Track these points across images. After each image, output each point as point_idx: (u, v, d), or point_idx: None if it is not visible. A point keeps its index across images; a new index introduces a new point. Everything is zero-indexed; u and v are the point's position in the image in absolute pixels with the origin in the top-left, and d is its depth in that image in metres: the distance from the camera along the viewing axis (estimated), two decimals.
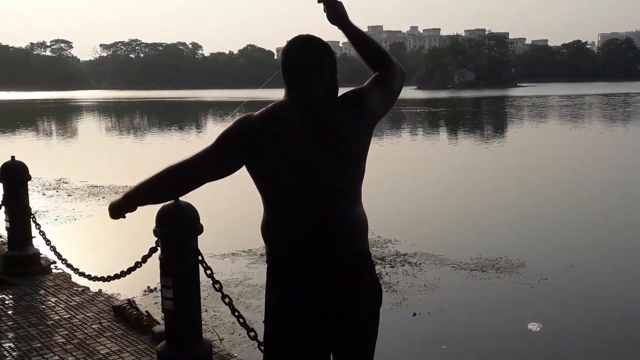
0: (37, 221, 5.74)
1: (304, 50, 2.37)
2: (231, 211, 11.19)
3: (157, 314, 5.24)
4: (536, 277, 6.95)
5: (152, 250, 3.65)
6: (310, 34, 2.43)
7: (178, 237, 3.27)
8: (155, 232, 3.32)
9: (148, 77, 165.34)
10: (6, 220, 5.86)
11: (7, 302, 5.06)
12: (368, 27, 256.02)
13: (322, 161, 2.24)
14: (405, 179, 14.93)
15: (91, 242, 9.03)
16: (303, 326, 2.29)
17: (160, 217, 3.28)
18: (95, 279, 4.66)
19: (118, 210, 2.55)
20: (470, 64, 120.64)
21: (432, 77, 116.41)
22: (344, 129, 2.27)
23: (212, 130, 33.37)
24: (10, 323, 4.56)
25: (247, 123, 2.32)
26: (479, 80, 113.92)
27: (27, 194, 5.95)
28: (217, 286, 3.43)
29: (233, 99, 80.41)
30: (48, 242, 5.46)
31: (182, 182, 2.39)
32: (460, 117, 41.43)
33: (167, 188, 2.44)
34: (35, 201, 11.56)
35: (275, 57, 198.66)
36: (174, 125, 37.07)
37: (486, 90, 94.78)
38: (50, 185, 14.17)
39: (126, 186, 13.59)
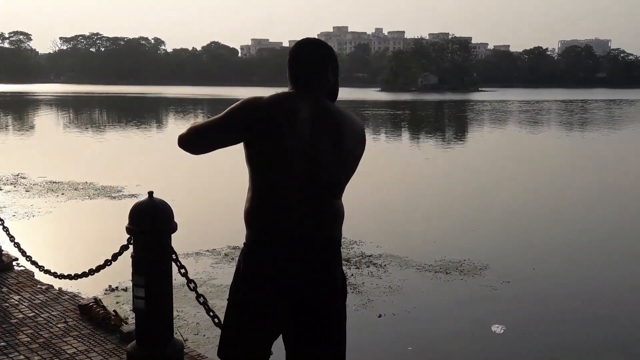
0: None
1: (314, 52, 2.56)
2: (195, 210, 11.10)
3: (124, 313, 5.19)
4: (499, 280, 7.07)
5: (124, 248, 3.60)
6: (316, 38, 2.67)
7: (152, 234, 3.24)
8: (128, 229, 3.28)
9: (109, 72, 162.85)
10: None
11: None
12: (333, 27, 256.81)
13: (325, 155, 2.39)
14: (368, 180, 15.00)
15: (52, 239, 8.88)
16: (270, 305, 2.41)
17: (134, 214, 3.24)
18: (61, 276, 4.58)
19: None
20: (434, 68, 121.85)
21: (396, 79, 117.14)
22: (347, 139, 2.46)
23: (173, 127, 33.07)
24: None
25: (257, 100, 2.44)
26: (441, 84, 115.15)
27: None
28: (192, 285, 3.41)
29: (195, 96, 79.90)
30: (12, 238, 5.35)
31: (204, 143, 2.55)
32: (423, 120, 41.85)
33: (194, 143, 2.57)
34: None
35: (240, 54, 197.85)
36: (133, 121, 36.58)
37: (449, 94, 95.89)
38: (7, 180, 13.85)
39: (86, 183, 13.39)
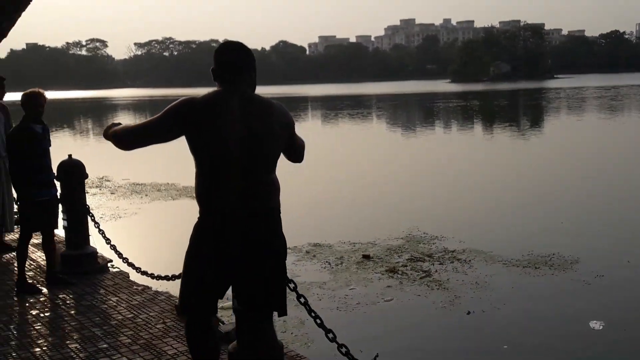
0: (96, 220, 5.80)
1: (235, 52, 3.02)
2: None
3: (220, 313, 5.25)
4: (592, 274, 6.81)
5: None
6: (237, 40, 3.10)
7: None
8: None
9: (182, 75, 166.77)
10: (64, 219, 5.90)
11: (68, 302, 5.10)
12: (400, 20, 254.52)
13: (253, 140, 2.84)
14: (446, 174, 14.78)
15: (141, 240, 9.13)
16: (217, 265, 2.86)
17: None
18: (157, 277, 4.67)
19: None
20: (506, 56, 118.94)
21: (467, 69, 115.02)
22: (272, 124, 2.90)
23: None
24: (74, 324, 4.60)
25: (191, 101, 2.89)
26: (514, 72, 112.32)
27: (85, 192, 6.01)
28: (292, 286, 3.41)
29: (266, 95, 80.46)
30: (108, 240, 5.50)
31: (134, 140, 3.02)
32: (496, 110, 40.91)
33: (125, 141, 3.04)
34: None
35: (307, 52, 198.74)
36: None
37: (522, 82, 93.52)
38: (93, 183, 14.34)
39: (167, 184, 13.74)
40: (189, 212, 10.79)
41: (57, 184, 5.63)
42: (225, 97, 2.90)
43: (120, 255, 5.32)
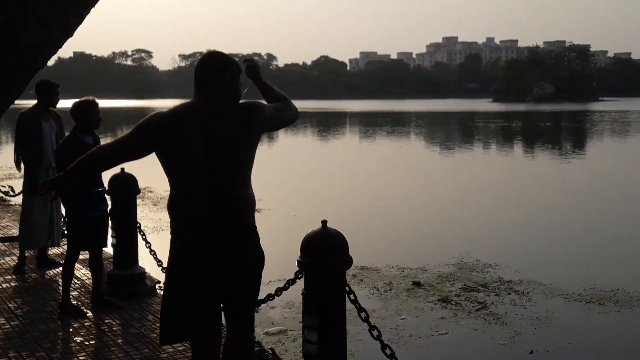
0: (147, 239, 5.57)
1: (208, 63, 3.00)
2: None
3: (282, 353, 4.93)
4: None
5: (289, 283, 3.36)
6: (218, 51, 3.09)
7: (327, 269, 2.96)
8: (301, 263, 3.02)
9: None
10: (112, 237, 5.65)
11: (115, 328, 4.82)
12: (443, 38, 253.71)
13: (219, 155, 2.83)
14: (494, 197, 14.32)
15: None
16: (199, 281, 2.85)
17: (308, 246, 2.98)
18: None
19: (51, 183, 3.21)
20: (550, 77, 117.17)
21: (510, 89, 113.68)
22: (236, 132, 2.87)
23: (284, 141, 33.42)
24: (121, 355, 4.31)
25: (157, 120, 2.88)
26: (558, 94, 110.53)
27: (136, 208, 5.78)
28: (363, 315, 3.09)
29: (304, 110, 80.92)
30: (159, 261, 5.25)
31: (105, 161, 2.99)
32: (541, 132, 40.07)
33: (95, 164, 3.01)
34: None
35: (348, 68, 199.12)
36: None
37: (566, 104, 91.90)
38: None
39: None
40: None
41: (107, 198, 5.39)
42: (188, 112, 2.89)
43: None
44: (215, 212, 2.83)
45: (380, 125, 45.55)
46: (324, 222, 3.06)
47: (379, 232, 10.41)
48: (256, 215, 3.09)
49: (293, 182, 16.93)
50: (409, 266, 8.10)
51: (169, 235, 3.02)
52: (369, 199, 13.92)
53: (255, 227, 2.99)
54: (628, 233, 10.32)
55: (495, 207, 12.93)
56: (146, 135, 2.88)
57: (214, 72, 2.97)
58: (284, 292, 3.68)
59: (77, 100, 5.02)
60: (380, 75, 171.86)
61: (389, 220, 11.50)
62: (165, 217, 11.13)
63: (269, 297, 3.82)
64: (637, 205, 13.06)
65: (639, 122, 46.93)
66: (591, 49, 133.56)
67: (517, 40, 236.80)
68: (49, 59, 2.29)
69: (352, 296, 3.05)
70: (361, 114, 69.25)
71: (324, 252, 2.97)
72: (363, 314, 3.04)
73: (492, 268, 7.99)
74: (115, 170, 5.77)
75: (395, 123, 48.51)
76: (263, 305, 6.71)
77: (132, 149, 2.93)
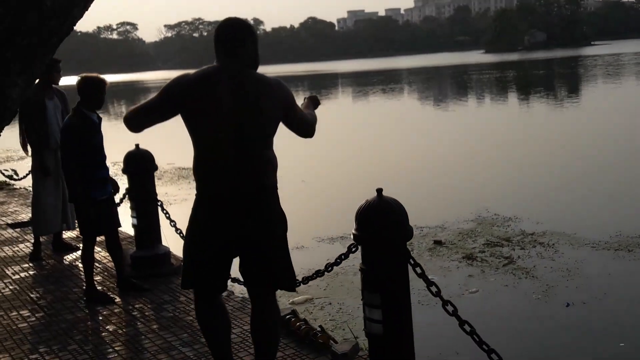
0: (170, 217, 5.36)
1: (233, 28, 3.02)
2: (333, 190, 10.72)
3: (312, 322, 4.79)
4: None
5: (343, 257, 3.20)
6: (239, 17, 3.09)
7: (388, 242, 2.77)
8: (357, 237, 2.83)
9: (212, 54, 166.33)
10: (133, 217, 5.42)
11: (147, 313, 4.57)
12: None
13: (245, 116, 2.87)
14: (503, 149, 14.12)
15: None
16: (220, 235, 2.94)
17: (364, 217, 2.81)
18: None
19: None
20: (541, 24, 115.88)
21: (501, 39, 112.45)
22: (263, 94, 2.91)
23: None
24: (159, 342, 4.05)
25: (184, 82, 2.94)
26: (550, 41, 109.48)
27: (155, 186, 5.54)
28: (434, 290, 2.92)
29: (295, 73, 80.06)
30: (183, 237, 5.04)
31: (139, 122, 3.09)
32: (534, 80, 39.69)
33: (132, 124, 3.09)
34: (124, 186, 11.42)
35: (337, 28, 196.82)
36: None
37: (559, 51, 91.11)
38: None
39: None
40: None
41: (118, 179, 5.18)
42: (217, 74, 2.93)
43: None
44: (235, 174, 2.87)
45: (374, 84, 45.09)
46: (380, 191, 2.86)
47: (391, 191, 10.22)
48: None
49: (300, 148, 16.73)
50: (427, 225, 7.95)
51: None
52: (376, 159, 13.72)
53: (277, 189, 3.04)
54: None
55: (504, 158, 12.74)
56: (174, 96, 2.94)
57: (239, 37, 3.00)
58: (334, 266, 3.49)
59: (85, 75, 4.72)
60: (370, 33, 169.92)
61: (398, 178, 11.31)
62: (186, 193, 11.02)
63: (318, 273, 3.62)
64: None
65: (633, 64, 46.48)
66: None
67: None
68: (75, 25, 2.05)
69: (418, 269, 2.86)
70: (352, 74, 68.57)
71: (383, 224, 2.78)
72: (434, 289, 2.86)
73: (512, 221, 7.85)
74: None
75: (388, 81, 48.04)
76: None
77: (160, 109, 3.00)
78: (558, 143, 14.35)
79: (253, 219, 2.91)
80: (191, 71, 3.02)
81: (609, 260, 6.30)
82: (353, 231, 2.90)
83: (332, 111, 27.97)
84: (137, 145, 5.38)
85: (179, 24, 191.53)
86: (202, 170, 2.96)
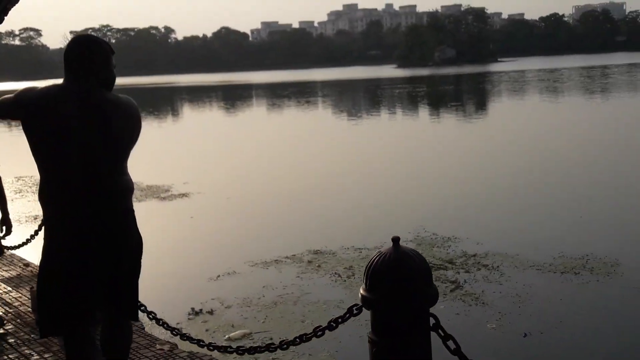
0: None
1: (81, 47, 2.91)
2: (261, 209, 10.18)
3: None
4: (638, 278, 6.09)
5: (341, 319, 2.67)
6: (89, 34, 3.05)
7: (410, 306, 2.28)
8: (367, 299, 2.32)
9: (121, 63, 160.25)
10: None
11: None
12: (343, 5, 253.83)
13: (94, 138, 2.77)
14: (429, 165, 14.01)
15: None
16: (76, 273, 2.81)
17: (377, 275, 2.29)
18: (211, 346, 3.47)
19: None
20: (450, 40, 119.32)
21: (412, 55, 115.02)
22: (115, 122, 2.82)
23: (190, 117, 32.16)
24: None
25: (31, 94, 2.83)
26: (459, 57, 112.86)
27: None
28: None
29: (208, 83, 78.79)
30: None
31: None
32: (445, 95, 40.56)
33: None
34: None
35: (250, 39, 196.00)
36: (149, 112, 35.57)
37: (467, 67, 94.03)
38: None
39: (155, 186, 12.50)
40: (165, 217, 9.58)
41: None
42: (63, 94, 2.82)
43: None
44: (90, 196, 2.79)
45: (288, 96, 44.81)
46: (396, 240, 2.36)
47: (320, 211, 9.81)
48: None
49: (203, 161, 16.05)
50: (365, 246, 7.57)
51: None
52: (298, 176, 13.29)
53: (133, 212, 2.98)
54: (570, 193, 10.18)
55: (429, 174, 12.60)
56: (20, 106, 2.84)
57: (87, 56, 2.89)
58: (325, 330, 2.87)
59: None
60: (284, 45, 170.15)
61: (325, 196, 10.91)
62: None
63: (317, 331, 2.85)
64: (569, 163, 13.03)
65: (536, 80, 48.33)
66: (487, 11, 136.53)
67: (415, 6, 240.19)
68: None
69: (452, 345, 2.34)
70: (267, 85, 68.15)
71: (401, 284, 2.28)
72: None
73: (452, 242, 7.58)
74: None
75: (303, 93, 47.88)
76: (218, 306, 6.06)
77: (8, 111, 2.92)
78: (481, 157, 14.38)
79: (106, 244, 2.84)
80: (39, 86, 2.92)
81: (558, 284, 6.09)
82: (362, 291, 2.38)
83: (247, 123, 27.38)
84: None
85: (85, 30, 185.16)
86: (50, 194, 2.83)
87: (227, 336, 5.25)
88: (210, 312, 5.81)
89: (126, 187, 2.93)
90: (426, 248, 7.38)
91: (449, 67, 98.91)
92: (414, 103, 34.47)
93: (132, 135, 2.94)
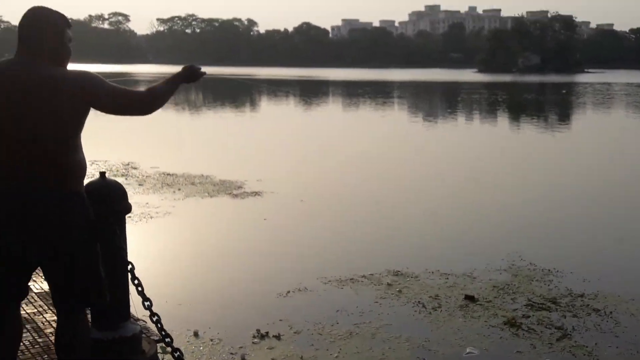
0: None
1: (29, 19, 2.86)
2: (335, 213, 9.48)
3: None
4: None
5: None
6: (43, 5, 2.91)
7: None
8: None
9: (204, 53, 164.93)
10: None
11: None
12: (425, 6, 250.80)
13: (36, 116, 2.72)
14: (525, 180, 12.98)
15: (182, 256, 7.45)
16: (15, 244, 2.77)
17: None
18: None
19: None
20: (536, 47, 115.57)
21: (495, 59, 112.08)
22: (58, 98, 2.75)
23: (267, 111, 31.83)
24: None
25: None
26: (544, 64, 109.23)
27: (126, 238, 3.85)
28: None
29: (287, 77, 78.85)
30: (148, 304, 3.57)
31: None
32: (528, 105, 38.83)
33: None
34: None
35: (330, 35, 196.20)
36: (228, 102, 35.44)
37: (552, 75, 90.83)
38: (117, 170, 12.77)
39: (202, 176, 12.07)
40: (233, 213, 9.03)
41: None
42: (7, 67, 2.77)
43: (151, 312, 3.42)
44: (32, 177, 2.72)
45: (364, 95, 44.02)
46: None
47: (405, 226, 9.02)
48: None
49: (280, 159, 15.46)
50: (452, 272, 6.75)
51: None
52: (378, 183, 12.51)
53: (82, 194, 2.90)
54: None
55: (520, 192, 11.57)
56: None
57: (35, 27, 2.83)
58: None
59: None
60: (363, 43, 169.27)
61: (413, 211, 10.11)
62: (169, 204, 9.72)
63: None
64: None
65: (623, 94, 45.83)
66: (575, 19, 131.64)
67: (500, 10, 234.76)
68: None
69: None
70: (344, 82, 67.54)
71: None
72: None
73: (554, 275, 6.66)
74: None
75: (379, 93, 47.00)
76: (286, 330, 5.30)
77: None
78: (574, 174, 13.25)
79: (48, 229, 2.75)
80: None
81: None
82: None
83: (322, 121, 26.79)
84: (102, 174, 3.50)
85: (172, 19, 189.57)
86: None
87: None
88: (278, 337, 5.14)
89: (74, 167, 2.83)
90: (523, 281, 6.50)
91: (533, 74, 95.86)
92: (493, 110, 33.11)
93: (82, 107, 2.83)
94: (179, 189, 10.93)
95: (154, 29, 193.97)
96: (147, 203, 9.83)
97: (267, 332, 5.20)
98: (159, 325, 3.21)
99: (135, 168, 13.10)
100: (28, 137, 2.72)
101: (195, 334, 5.14)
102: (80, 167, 2.87)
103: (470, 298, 5.99)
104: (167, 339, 3.19)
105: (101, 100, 2.90)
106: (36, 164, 2.74)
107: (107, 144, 17.07)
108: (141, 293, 3.29)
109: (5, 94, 2.71)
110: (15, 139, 2.71)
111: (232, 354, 4.82)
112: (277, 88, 46.28)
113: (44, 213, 2.75)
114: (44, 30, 2.83)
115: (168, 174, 12.30)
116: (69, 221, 2.81)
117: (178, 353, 3.14)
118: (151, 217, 8.99)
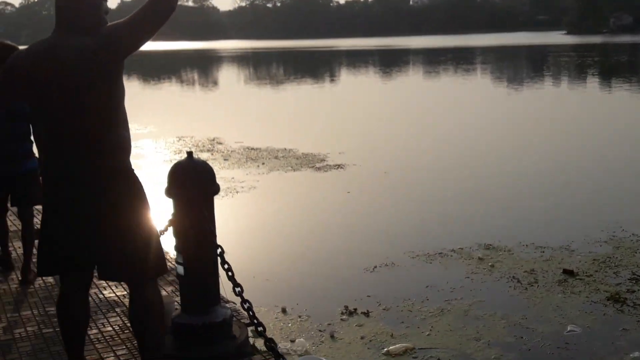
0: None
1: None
2: (419, 183, 9.24)
3: None
4: None
5: None
6: None
7: None
8: None
9: (285, 27, 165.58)
10: (179, 263, 3.40)
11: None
12: None
13: (75, 94, 2.70)
14: (618, 151, 12.27)
15: (270, 231, 7.43)
16: (69, 223, 2.79)
17: None
18: None
19: None
20: (628, 6, 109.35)
21: (584, 20, 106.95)
22: (89, 69, 2.70)
23: (347, 83, 31.51)
24: None
25: (15, 60, 2.81)
26: (637, 24, 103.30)
27: (214, 218, 3.55)
28: None
29: (367, 47, 78.03)
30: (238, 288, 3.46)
31: None
32: (621, 66, 36.74)
33: None
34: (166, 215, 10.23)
35: (411, 3, 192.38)
36: (309, 75, 35.36)
37: None
38: (204, 146, 12.94)
39: (285, 150, 12.05)
40: (318, 186, 8.93)
41: None
42: (46, 49, 2.73)
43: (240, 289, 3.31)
44: (81, 153, 2.74)
45: (446, 62, 42.91)
46: None
47: (495, 197, 8.67)
48: None
49: (359, 131, 15.22)
50: (547, 244, 6.41)
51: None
52: (465, 153, 12.11)
53: (130, 171, 2.89)
54: None
55: (619, 160, 10.92)
56: (9, 71, 2.80)
57: (72, 2, 2.77)
58: None
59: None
60: (445, 9, 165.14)
61: (503, 181, 9.72)
62: (254, 178, 9.74)
63: None
64: None
65: None
66: None
67: None
68: None
69: None
70: (425, 50, 66.15)
71: None
72: None
73: None
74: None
75: (461, 59, 45.70)
76: (375, 306, 5.26)
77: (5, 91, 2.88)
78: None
79: (99, 205, 2.76)
80: (24, 49, 2.89)
81: None
82: None
83: (402, 90, 26.27)
84: (189, 154, 3.36)
85: None
86: (44, 153, 2.88)
87: (385, 349, 4.42)
88: (366, 314, 5.00)
89: (117, 144, 2.80)
90: (626, 253, 6.10)
91: (626, 34, 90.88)
92: (583, 73, 31.56)
93: (114, 67, 2.75)
94: (263, 163, 10.94)
95: (236, 5, 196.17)
96: (233, 178, 9.89)
97: (355, 309, 5.07)
98: (250, 313, 3.08)
99: (220, 143, 13.23)
100: (72, 114, 2.71)
101: (283, 310, 5.08)
102: (125, 142, 2.84)
103: (569, 272, 5.66)
104: (260, 328, 3.07)
105: (125, 33, 2.75)
106: (82, 142, 2.73)
107: (193, 120, 17.37)
108: (231, 278, 3.18)
109: (49, 72, 2.68)
110: (60, 117, 2.72)
111: (320, 331, 4.73)
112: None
113: (96, 191, 2.75)
114: (81, 4, 2.76)
115: (252, 149, 12.35)
116: (120, 195, 2.80)
117: (271, 344, 3.01)
118: (237, 192, 9.02)
